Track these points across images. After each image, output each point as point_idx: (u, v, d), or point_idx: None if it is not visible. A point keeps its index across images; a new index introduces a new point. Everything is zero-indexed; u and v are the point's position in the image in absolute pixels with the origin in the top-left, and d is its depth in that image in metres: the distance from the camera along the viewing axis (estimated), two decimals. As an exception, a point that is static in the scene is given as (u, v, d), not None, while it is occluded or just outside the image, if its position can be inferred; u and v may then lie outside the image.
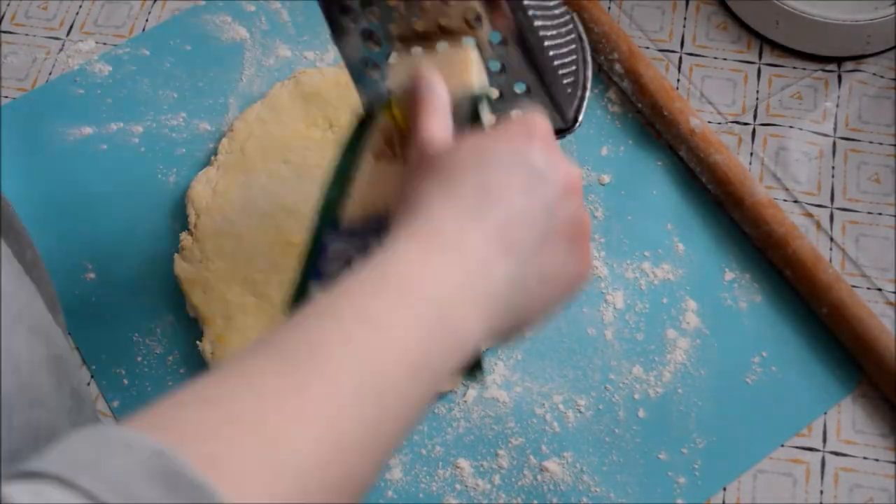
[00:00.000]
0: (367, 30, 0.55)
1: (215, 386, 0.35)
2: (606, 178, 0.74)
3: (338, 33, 0.56)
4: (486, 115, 0.50)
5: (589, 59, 0.60)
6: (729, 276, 0.70)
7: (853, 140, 0.75)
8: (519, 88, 0.56)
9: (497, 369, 0.67)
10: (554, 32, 0.57)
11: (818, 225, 0.72)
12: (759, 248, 0.70)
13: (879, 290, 0.69)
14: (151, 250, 0.72)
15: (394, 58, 0.55)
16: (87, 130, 0.78)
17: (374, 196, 0.50)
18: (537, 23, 0.54)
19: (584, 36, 0.61)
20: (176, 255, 0.70)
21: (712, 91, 0.78)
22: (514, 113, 0.52)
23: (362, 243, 0.49)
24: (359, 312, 0.38)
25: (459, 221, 0.42)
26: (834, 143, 0.75)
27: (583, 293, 0.69)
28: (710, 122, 0.76)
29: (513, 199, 0.44)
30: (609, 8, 0.82)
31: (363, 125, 0.52)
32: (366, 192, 0.50)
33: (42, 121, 0.78)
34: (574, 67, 0.59)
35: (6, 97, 0.79)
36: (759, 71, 0.79)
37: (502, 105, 0.56)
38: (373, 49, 0.56)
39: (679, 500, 0.62)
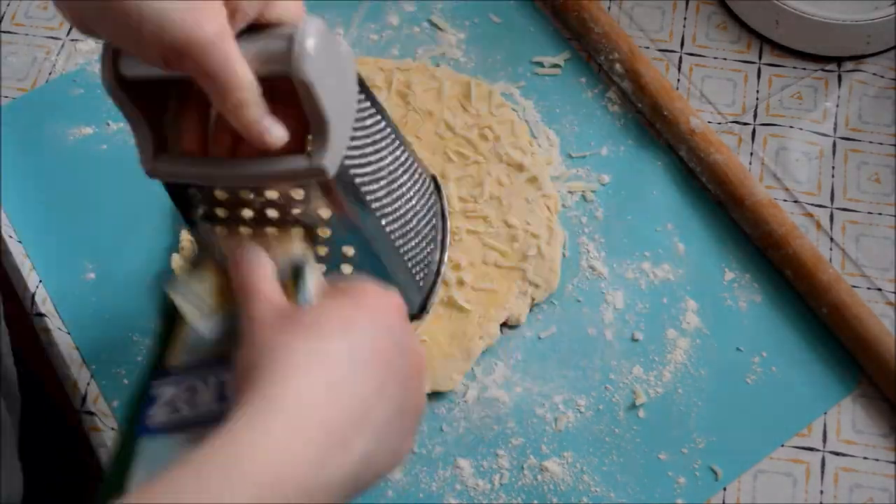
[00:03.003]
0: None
1: None
2: (606, 178, 0.74)
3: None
4: (311, 284, 0.47)
5: (447, 241, 0.57)
6: (729, 276, 0.70)
7: (853, 140, 0.75)
8: (348, 252, 0.52)
9: (497, 369, 0.67)
10: (412, 234, 0.53)
11: (818, 225, 0.72)
12: (759, 248, 0.70)
13: (879, 290, 0.69)
14: (151, 250, 0.72)
15: (221, 232, 0.52)
16: (87, 130, 0.78)
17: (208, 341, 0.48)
18: (394, 236, 0.51)
19: (447, 213, 0.57)
20: (175, 254, 0.70)
21: (712, 91, 0.78)
22: (359, 281, 0.47)
23: (191, 384, 0.46)
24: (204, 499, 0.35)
25: (328, 393, 0.40)
26: (834, 143, 0.75)
27: (583, 293, 0.69)
28: (710, 122, 0.76)
29: (379, 373, 0.42)
30: (609, 8, 0.82)
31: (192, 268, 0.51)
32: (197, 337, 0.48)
33: (42, 121, 0.78)
34: (427, 256, 0.55)
35: (6, 97, 0.79)
36: (759, 71, 0.79)
37: (327, 261, 0.53)
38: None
39: (679, 500, 0.62)
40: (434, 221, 0.57)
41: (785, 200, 0.73)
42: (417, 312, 0.55)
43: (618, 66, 0.77)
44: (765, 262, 0.70)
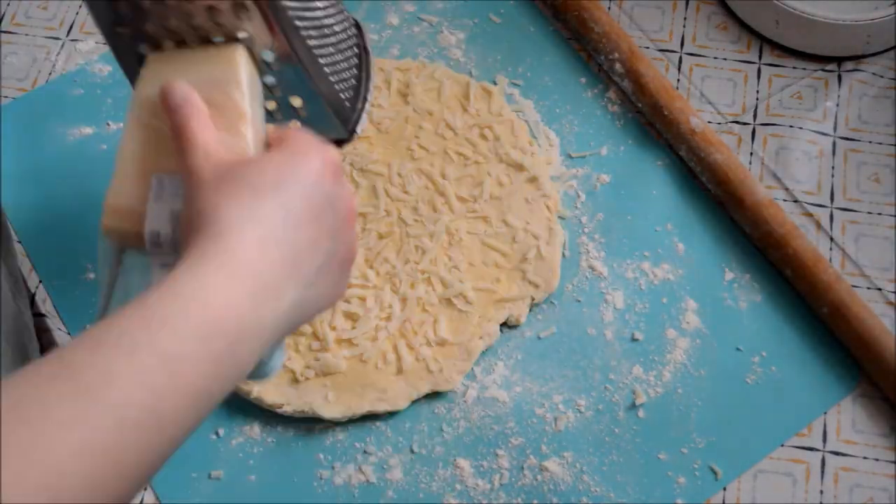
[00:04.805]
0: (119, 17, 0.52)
1: (8, 403, 0.36)
2: (606, 178, 0.74)
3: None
4: (250, 136, 0.49)
5: (372, 71, 0.59)
6: (729, 276, 0.70)
7: (853, 140, 0.75)
8: (295, 102, 0.54)
9: (497, 369, 0.67)
10: (332, 49, 0.55)
11: (818, 225, 0.72)
12: (759, 248, 0.70)
13: (879, 289, 0.69)
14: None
15: (149, 52, 0.52)
16: (87, 130, 0.78)
17: (150, 167, 0.50)
18: (312, 42, 0.52)
19: (369, 48, 0.59)
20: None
21: (712, 91, 0.78)
22: (296, 128, 0.51)
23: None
24: (153, 346, 0.38)
25: (260, 248, 0.43)
26: (834, 143, 0.75)
27: (583, 293, 0.69)
28: (710, 121, 0.76)
29: (309, 226, 0.45)
30: (609, 8, 0.82)
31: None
32: (140, 166, 0.50)
33: (42, 121, 0.78)
34: (354, 80, 0.57)
35: (6, 97, 0.79)
36: (759, 71, 0.79)
37: (278, 117, 0.55)
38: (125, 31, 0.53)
39: (679, 500, 0.62)
40: (357, 51, 0.59)
41: (785, 200, 0.73)
42: (347, 136, 0.57)
43: (618, 66, 0.77)
44: (765, 262, 0.70)
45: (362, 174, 0.73)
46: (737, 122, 0.76)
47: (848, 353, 0.66)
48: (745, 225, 0.71)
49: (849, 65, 0.79)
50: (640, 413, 0.65)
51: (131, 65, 0.53)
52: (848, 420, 0.65)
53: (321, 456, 0.64)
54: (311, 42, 0.52)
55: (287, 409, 0.65)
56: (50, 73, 0.81)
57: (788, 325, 0.68)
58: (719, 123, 0.76)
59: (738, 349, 0.67)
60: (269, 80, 0.52)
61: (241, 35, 0.50)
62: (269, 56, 0.52)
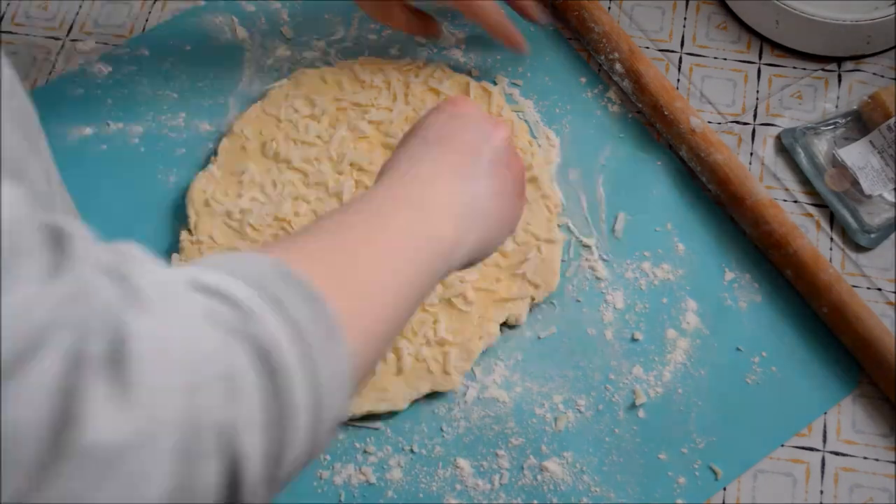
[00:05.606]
0: None
1: (321, 227, 0.48)
2: (606, 178, 0.74)
3: None
4: None
5: None
6: (729, 276, 0.70)
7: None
8: None
9: (497, 369, 0.67)
10: None
11: (818, 225, 0.72)
12: (759, 248, 0.70)
13: (879, 289, 0.69)
14: (151, 250, 0.72)
15: None
16: (87, 130, 0.78)
17: None
18: None
19: None
20: (175, 254, 0.70)
21: (712, 91, 0.78)
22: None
23: None
24: (398, 216, 0.50)
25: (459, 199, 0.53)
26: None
27: (583, 293, 0.69)
28: (710, 121, 0.76)
29: (495, 180, 0.56)
30: (609, 8, 0.82)
31: None
32: None
33: (42, 121, 0.78)
34: None
35: (6, 97, 0.79)
36: (759, 71, 0.79)
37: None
38: None
39: (679, 500, 0.62)
40: None
41: (785, 200, 0.73)
42: None
43: (618, 66, 0.77)
44: (765, 262, 0.70)
45: (362, 173, 0.73)
46: (737, 122, 0.76)
47: (848, 353, 0.66)
48: (745, 225, 0.71)
49: (849, 65, 0.79)
50: (640, 413, 0.65)
51: None
52: (848, 420, 0.65)
53: (321, 456, 0.64)
54: None
55: (287, 409, 0.65)
56: (50, 73, 0.81)
57: (788, 325, 0.68)
58: (719, 123, 0.76)
59: (738, 349, 0.67)
60: None
61: None
62: None
